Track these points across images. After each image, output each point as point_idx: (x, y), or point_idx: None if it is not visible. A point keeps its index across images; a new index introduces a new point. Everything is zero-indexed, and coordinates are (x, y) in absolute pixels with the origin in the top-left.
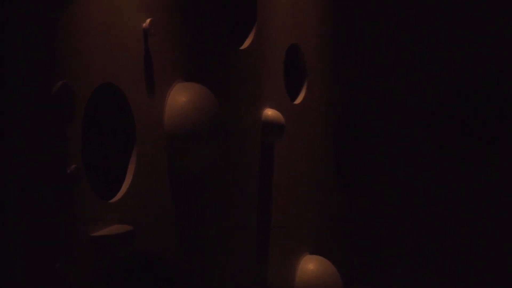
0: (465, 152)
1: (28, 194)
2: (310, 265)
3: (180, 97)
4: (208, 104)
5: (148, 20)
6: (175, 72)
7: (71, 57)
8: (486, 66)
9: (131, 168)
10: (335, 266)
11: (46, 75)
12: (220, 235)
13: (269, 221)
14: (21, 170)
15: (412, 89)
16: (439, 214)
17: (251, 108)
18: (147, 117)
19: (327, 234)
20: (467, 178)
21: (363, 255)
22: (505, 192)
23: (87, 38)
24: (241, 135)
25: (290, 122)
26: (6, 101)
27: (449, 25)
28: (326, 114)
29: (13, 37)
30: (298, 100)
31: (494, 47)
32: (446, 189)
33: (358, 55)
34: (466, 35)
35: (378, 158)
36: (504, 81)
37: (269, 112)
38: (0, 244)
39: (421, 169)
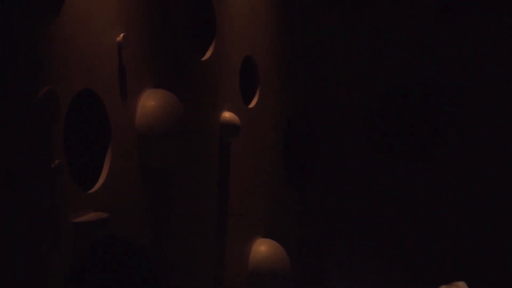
0: (403, 151)
1: (18, 185)
2: (262, 247)
3: (150, 102)
4: (174, 108)
5: (121, 35)
6: (145, 79)
7: (56, 66)
8: (423, 73)
9: (107, 163)
10: (283, 248)
11: (33, 81)
12: (185, 222)
13: (227, 209)
14: (10, 164)
15: (355, 95)
16: (378, 206)
17: (211, 111)
18: (120, 119)
19: (277, 220)
20: (404, 173)
21: (307, 238)
22: (439, 186)
23: (70, 49)
24: (202, 135)
25: (245, 123)
26: None
27: (388, 37)
28: (277, 116)
29: (4, 48)
30: (252, 104)
31: (430, 56)
32: (386, 183)
33: (306, 64)
34: (403, 45)
35: (322, 156)
36: (439, 88)
37: (227, 115)
38: None
39: (363, 166)
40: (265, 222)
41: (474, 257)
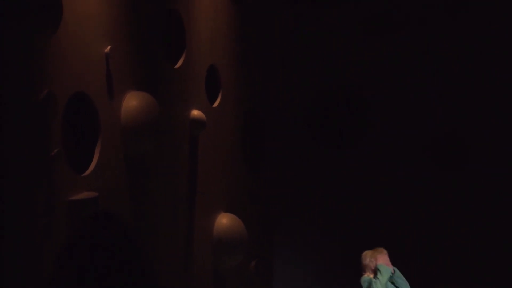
0: (334, 140)
1: (23, 170)
2: (224, 220)
3: (132, 102)
4: (151, 107)
5: (108, 47)
6: (128, 83)
7: (54, 73)
8: (350, 78)
9: (97, 152)
10: (241, 221)
11: (35, 85)
12: (160, 199)
13: (195, 188)
14: (18, 153)
15: (295, 95)
16: (315, 185)
17: (182, 110)
18: (108, 116)
19: (236, 198)
20: (334, 158)
21: (261, 213)
22: (363, 168)
23: (65, 59)
24: (175, 129)
25: (210, 119)
26: (6, 104)
27: (324, 48)
28: (236, 113)
29: (11, 59)
30: (215, 104)
31: (356, 65)
32: (321, 168)
33: (258, 70)
34: (336, 56)
35: (271, 144)
36: (363, 89)
37: (195, 112)
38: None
39: (301, 153)
40: (226, 200)
41: (404, 240)
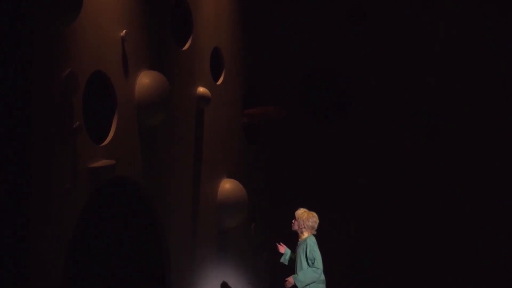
0: (323, 115)
1: (48, 141)
2: (227, 184)
3: (145, 80)
4: (163, 84)
5: (124, 31)
6: (142, 64)
7: (76, 54)
8: (335, 60)
9: (114, 124)
10: (242, 185)
11: (59, 65)
12: (170, 167)
13: (201, 157)
14: (43, 125)
15: (288, 75)
16: (308, 157)
17: (190, 87)
18: (124, 92)
19: (238, 166)
20: (324, 132)
21: (258, 180)
22: (348, 141)
23: (86, 42)
24: (183, 104)
25: (214, 95)
26: (33, 81)
27: (313, 33)
28: (237, 90)
29: (38, 42)
30: (219, 82)
31: (342, 49)
32: (311, 140)
33: (256, 52)
34: (323, 40)
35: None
36: (348, 71)
37: (201, 89)
38: (23, 167)
39: (293, 127)
40: (229, 167)
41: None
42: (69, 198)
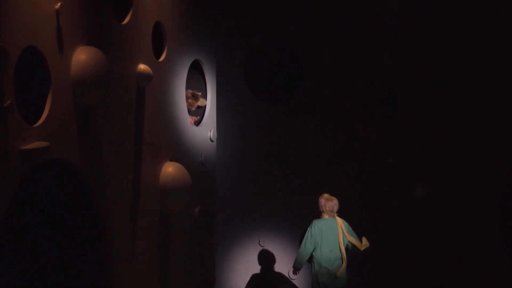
0: (272, 95)
1: None
2: (169, 168)
3: (82, 56)
4: (100, 60)
5: (58, 4)
6: (78, 39)
7: (6, 27)
8: (284, 37)
9: (48, 103)
10: (186, 168)
11: None
12: (108, 148)
13: (142, 138)
14: None
15: (237, 51)
16: (258, 137)
17: (130, 63)
18: (59, 69)
19: (181, 147)
20: (273, 112)
21: (202, 163)
22: (297, 121)
23: (17, 15)
24: (123, 82)
25: (156, 73)
26: None
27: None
28: (180, 65)
29: None
30: (161, 59)
31: (289, 23)
32: (261, 120)
33: (204, 27)
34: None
35: (216, 100)
36: (297, 48)
37: (142, 66)
38: None
39: (243, 107)
40: (172, 149)
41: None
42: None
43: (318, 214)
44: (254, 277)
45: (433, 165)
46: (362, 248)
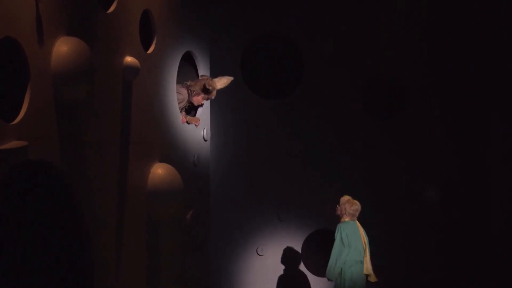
0: (271, 90)
1: None
2: (159, 170)
3: (63, 47)
4: (84, 52)
5: None
6: (59, 29)
7: None
8: (286, 29)
9: (26, 99)
10: (177, 170)
11: None
12: (93, 148)
13: (129, 137)
14: None
15: (233, 43)
16: (254, 135)
17: (116, 56)
18: (38, 62)
19: (172, 147)
20: (272, 108)
21: (197, 163)
22: (297, 117)
23: None
24: (108, 76)
25: (144, 66)
26: None
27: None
28: (169, 58)
29: None
30: (150, 50)
31: (290, 15)
32: (258, 116)
33: (196, 16)
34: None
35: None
36: (298, 41)
37: (129, 59)
38: None
39: (238, 102)
40: (161, 150)
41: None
42: None
43: (320, 216)
44: None
45: (444, 165)
46: (372, 280)
